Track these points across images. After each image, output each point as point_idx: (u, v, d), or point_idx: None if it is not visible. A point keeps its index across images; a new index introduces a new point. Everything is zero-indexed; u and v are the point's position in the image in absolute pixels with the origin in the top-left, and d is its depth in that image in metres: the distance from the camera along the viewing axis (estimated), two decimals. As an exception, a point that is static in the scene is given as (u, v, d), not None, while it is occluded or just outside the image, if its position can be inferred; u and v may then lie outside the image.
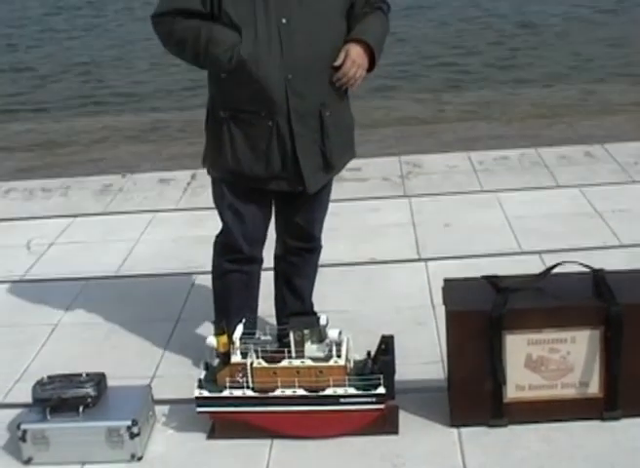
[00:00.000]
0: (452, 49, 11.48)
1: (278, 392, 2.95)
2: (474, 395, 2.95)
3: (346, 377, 2.94)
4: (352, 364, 3.05)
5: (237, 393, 2.97)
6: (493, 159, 6.15)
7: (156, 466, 2.95)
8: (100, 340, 3.90)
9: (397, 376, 3.11)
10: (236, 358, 3.02)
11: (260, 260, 3.44)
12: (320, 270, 3.84)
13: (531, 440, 2.91)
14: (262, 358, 2.99)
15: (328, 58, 3.07)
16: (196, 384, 3.03)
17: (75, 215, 5.59)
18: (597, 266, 3.10)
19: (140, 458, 2.98)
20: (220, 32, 3.01)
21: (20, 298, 4.44)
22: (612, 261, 3.74)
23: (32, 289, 4.56)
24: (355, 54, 3.09)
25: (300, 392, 2.94)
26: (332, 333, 2.99)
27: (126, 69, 11.62)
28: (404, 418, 3.06)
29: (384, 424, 2.99)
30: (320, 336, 2.98)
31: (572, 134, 7.26)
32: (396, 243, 4.71)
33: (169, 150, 7.74)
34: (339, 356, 2.95)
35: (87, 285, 4.52)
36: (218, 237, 3.42)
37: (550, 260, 3.14)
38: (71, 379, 3.08)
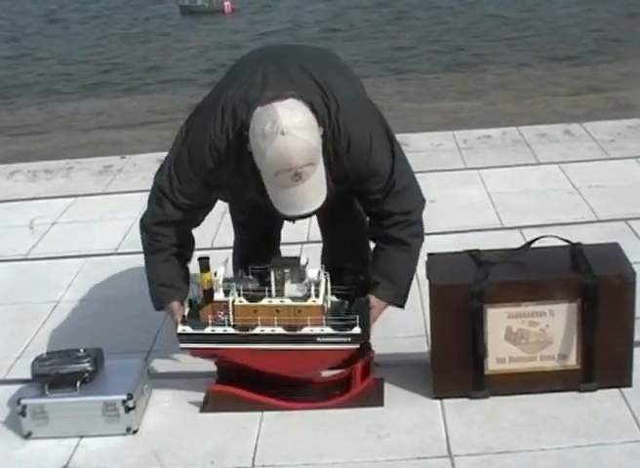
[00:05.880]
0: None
1: (258, 330, 2.86)
2: (456, 367, 2.88)
3: (323, 317, 2.85)
4: (330, 304, 2.96)
5: (219, 330, 2.88)
6: (476, 138, 6.07)
7: (151, 439, 2.88)
8: (100, 316, 3.82)
9: (383, 350, 3.06)
10: (219, 296, 2.93)
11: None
12: (307, 246, 3.74)
13: (511, 411, 2.84)
14: (244, 296, 2.90)
15: None
16: (179, 319, 2.94)
17: (76, 196, 5.51)
18: (575, 240, 3.01)
19: (135, 431, 2.91)
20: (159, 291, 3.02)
21: (23, 276, 4.37)
22: (589, 236, 3.66)
23: (35, 267, 4.49)
24: (377, 313, 2.97)
25: (279, 330, 2.85)
26: (311, 273, 2.88)
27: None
28: (389, 391, 2.99)
29: (370, 397, 2.92)
30: (300, 276, 2.89)
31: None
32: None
33: (169, 132, 7.65)
34: (317, 296, 2.85)
35: (87, 262, 4.44)
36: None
37: (530, 235, 3.09)
38: (69, 355, 2.99)
